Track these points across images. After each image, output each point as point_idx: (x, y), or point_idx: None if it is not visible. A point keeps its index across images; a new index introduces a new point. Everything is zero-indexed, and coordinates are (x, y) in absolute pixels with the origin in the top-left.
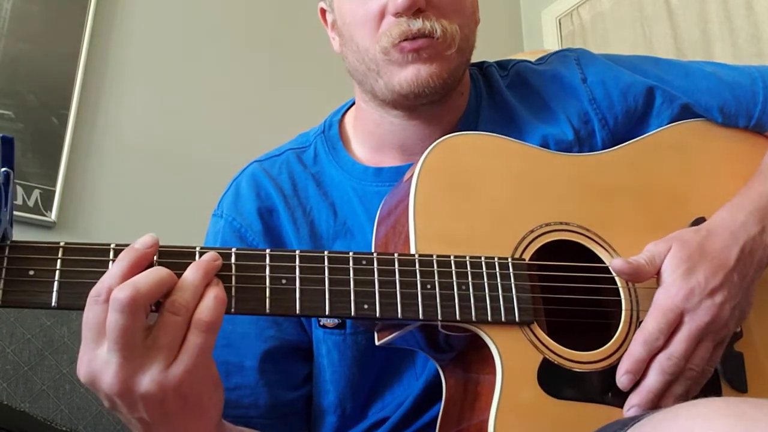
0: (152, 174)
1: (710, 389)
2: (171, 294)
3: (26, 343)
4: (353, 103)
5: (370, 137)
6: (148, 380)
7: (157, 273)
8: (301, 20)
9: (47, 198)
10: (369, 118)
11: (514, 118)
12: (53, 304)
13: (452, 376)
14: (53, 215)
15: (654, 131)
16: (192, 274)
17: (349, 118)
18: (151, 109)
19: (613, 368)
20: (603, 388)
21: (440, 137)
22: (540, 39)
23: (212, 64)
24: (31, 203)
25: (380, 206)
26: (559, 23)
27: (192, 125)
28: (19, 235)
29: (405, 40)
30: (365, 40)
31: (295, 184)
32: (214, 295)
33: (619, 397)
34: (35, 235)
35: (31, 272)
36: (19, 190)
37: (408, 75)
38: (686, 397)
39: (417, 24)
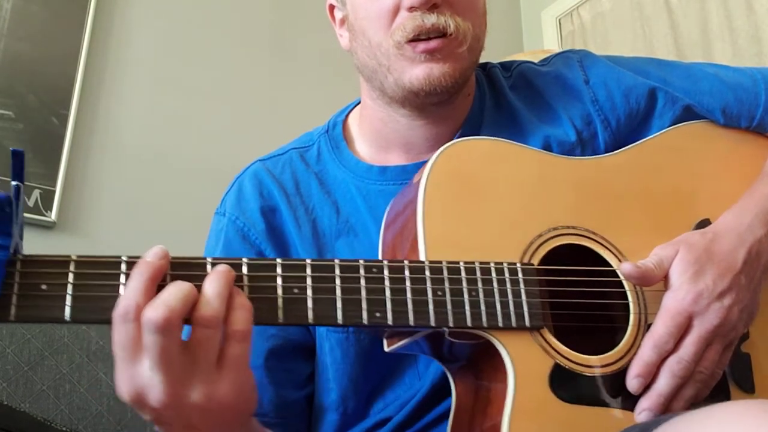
0: (152, 174)
1: (719, 391)
2: (198, 308)
3: (26, 343)
4: (357, 104)
5: (376, 136)
6: (196, 393)
7: (183, 288)
8: (302, 21)
9: (47, 198)
10: (375, 117)
11: (517, 120)
12: (67, 318)
13: (462, 381)
14: (53, 215)
15: (657, 133)
16: (213, 286)
17: (354, 118)
18: (151, 109)
19: (622, 372)
20: (613, 392)
21: (446, 138)
22: (540, 39)
23: (212, 64)
24: (31, 203)
25: (388, 208)
26: (559, 23)
27: (192, 125)
28: None
29: (419, 36)
30: (378, 34)
31: (297, 183)
32: (241, 303)
33: (629, 401)
34: (35, 235)
35: (44, 286)
36: None
37: (420, 73)
38: (696, 399)
39: (431, 19)
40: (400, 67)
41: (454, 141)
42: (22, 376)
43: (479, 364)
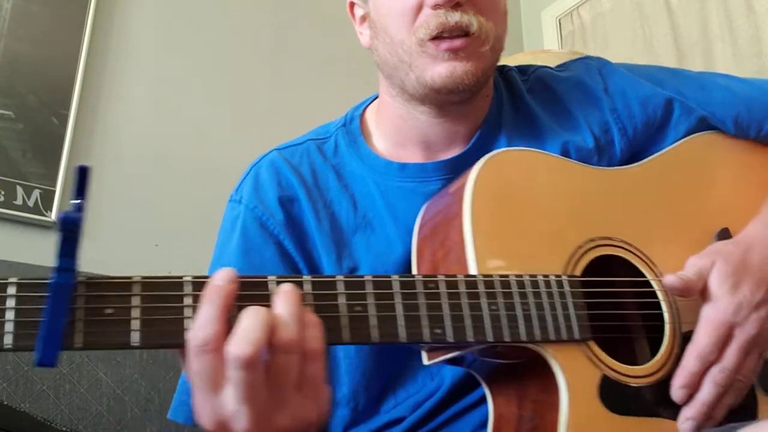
0: (152, 174)
1: (747, 396)
2: (277, 334)
3: None
4: (374, 99)
5: (394, 132)
6: (281, 418)
7: (262, 317)
8: (303, 20)
9: (47, 198)
10: (394, 113)
11: (536, 123)
12: (136, 344)
13: (502, 394)
14: (53, 215)
15: (676, 144)
16: (287, 307)
17: (371, 113)
18: (151, 109)
19: (663, 382)
20: (656, 402)
21: (464, 136)
22: (540, 39)
23: (212, 64)
24: (31, 203)
25: (421, 214)
26: (559, 23)
27: (192, 125)
28: (19, 235)
29: (442, 34)
30: (401, 31)
31: (315, 175)
32: (312, 321)
33: (670, 410)
34: (35, 235)
35: (109, 311)
36: (19, 190)
37: (442, 70)
38: (732, 406)
39: (455, 17)
40: (422, 65)
41: (495, 152)
42: (22, 376)
43: (525, 376)
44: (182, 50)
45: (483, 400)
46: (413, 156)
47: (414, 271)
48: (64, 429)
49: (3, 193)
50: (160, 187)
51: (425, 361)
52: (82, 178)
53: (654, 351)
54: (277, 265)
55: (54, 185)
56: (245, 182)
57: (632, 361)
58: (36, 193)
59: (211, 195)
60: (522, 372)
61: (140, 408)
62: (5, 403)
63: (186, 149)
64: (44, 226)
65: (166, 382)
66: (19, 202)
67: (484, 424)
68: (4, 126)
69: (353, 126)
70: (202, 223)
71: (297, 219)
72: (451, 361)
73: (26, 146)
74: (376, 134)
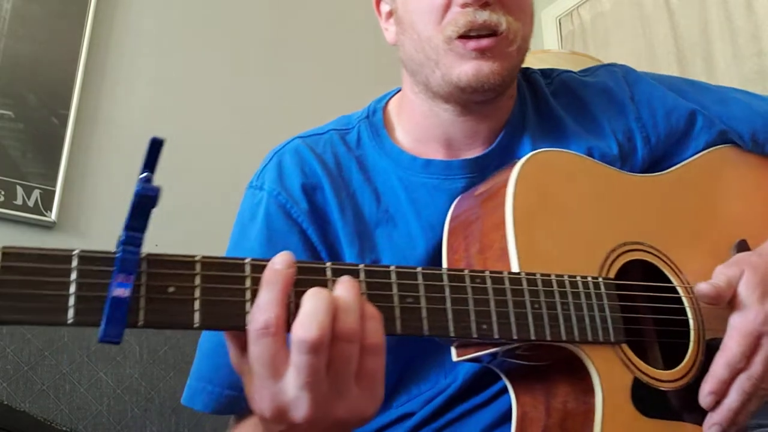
0: None
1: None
2: (339, 321)
3: (26, 343)
4: (397, 92)
5: (416, 128)
6: (340, 409)
7: (327, 299)
8: (304, 17)
9: (47, 198)
10: (416, 110)
11: (560, 126)
12: (197, 324)
13: (528, 394)
14: (53, 215)
15: (697, 155)
16: (349, 295)
17: (393, 107)
18: (151, 108)
19: (689, 387)
20: (682, 406)
21: (486, 136)
22: (540, 39)
23: (213, 63)
24: (31, 203)
25: (452, 210)
26: (559, 23)
27: (192, 125)
28: (19, 235)
29: (469, 33)
30: (428, 28)
31: (339, 165)
32: (372, 314)
33: (696, 415)
34: (35, 235)
35: (171, 289)
36: (19, 190)
37: (469, 69)
38: (755, 412)
39: (483, 15)
40: (448, 62)
41: (534, 152)
42: (22, 375)
43: (554, 375)
44: (182, 49)
45: (494, 398)
46: (434, 153)
47: (444, 264)
48: (64, 429)
49: (3, 193)
50: (161, 187)
51: (454, 357)
52: (154, 150)
53: (667, 356)
54: (301, 254)
55: (54, 185)
56: (267, 169)
57: (649, 364)
58: (36, 193)
59: (211, 195)
60: (551, 371)
61: (140, 408)
62: (5, 403)
63: (186, 149)
64: (44, 226)
65: (166, 382)
66: (19, 202)
67: (495, 423)
68: (4, 126)
69: (376, 118)
70: (202, 223)
71: (321, 208)
72: (476, 359)
73: (26, 146)
74: (399, 128)
